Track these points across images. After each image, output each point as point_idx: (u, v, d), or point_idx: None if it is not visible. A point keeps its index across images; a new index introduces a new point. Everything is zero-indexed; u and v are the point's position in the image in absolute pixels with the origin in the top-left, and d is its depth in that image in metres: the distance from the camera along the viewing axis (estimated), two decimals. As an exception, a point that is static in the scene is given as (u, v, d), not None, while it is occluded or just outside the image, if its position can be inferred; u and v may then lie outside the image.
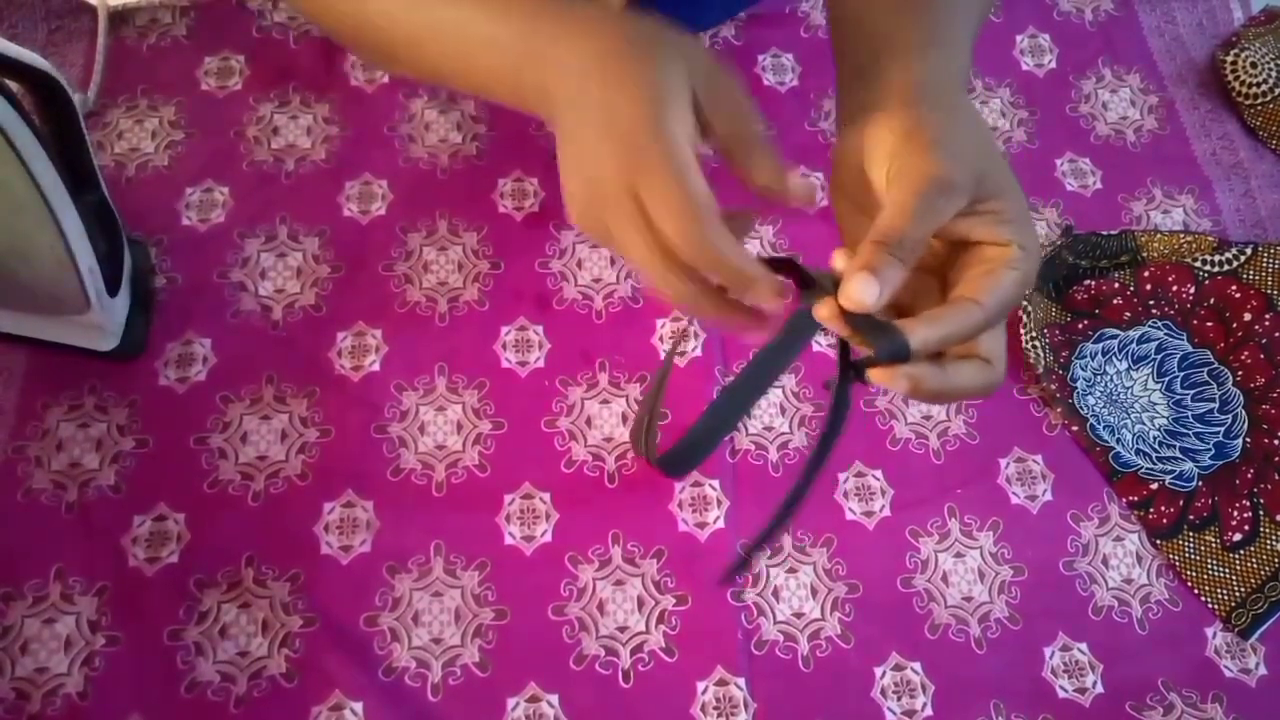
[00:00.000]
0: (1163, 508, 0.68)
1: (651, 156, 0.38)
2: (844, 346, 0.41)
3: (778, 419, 0.68)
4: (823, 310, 0.38)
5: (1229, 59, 0.83)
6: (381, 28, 0.49)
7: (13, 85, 0.51)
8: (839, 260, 0.39)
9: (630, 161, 0.39)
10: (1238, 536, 0.67)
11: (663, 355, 0.69)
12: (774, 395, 0.69)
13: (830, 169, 0.45)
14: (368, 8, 0.49)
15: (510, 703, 0.59)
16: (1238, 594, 0.66)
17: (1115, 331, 0.73)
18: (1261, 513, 0.68)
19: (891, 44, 0.45)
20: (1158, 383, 0.72)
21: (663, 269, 0.39)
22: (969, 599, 0.64)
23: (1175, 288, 0.74)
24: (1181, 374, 0.72)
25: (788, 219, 0.75)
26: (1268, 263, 0.74)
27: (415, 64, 0.51)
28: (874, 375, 0.38)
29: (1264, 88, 0.81)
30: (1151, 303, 0.74)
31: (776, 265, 0.41)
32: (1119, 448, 0.69)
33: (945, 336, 0.37)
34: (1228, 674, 0.64)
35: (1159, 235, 0.76)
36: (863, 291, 0.36)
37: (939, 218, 0.38)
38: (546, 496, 0.65)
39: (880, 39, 0.46)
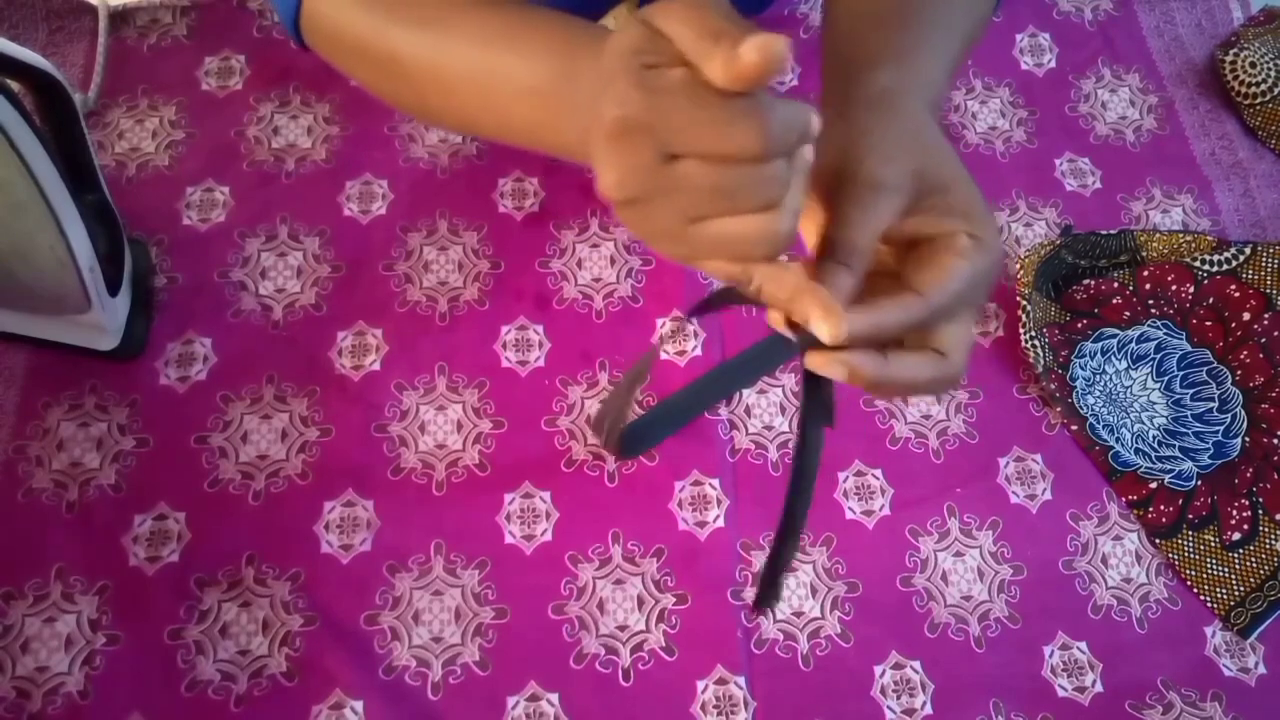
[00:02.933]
0: (1162, 507, 0.68)
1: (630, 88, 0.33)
2: (809, 381, 0.40)
3: (777, 418, 0.68)
4: (771, 317, 0.38)
5: (1228, 59, 0.83)
6: (407, 69, 0.47)
7: (14, 85, 0.51)
8: (774, 319, 0.38)
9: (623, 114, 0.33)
10: (1237, 535, 0.67)
11: (662, 354, 0.70)
12: (774, 395, 0.69)
13: None
14: (392, 42, 0.47)
15: (510, 701, 0.59)
16: (1237, 593, 0.66)
17: (1115, 331, 0.73)
18: (1260, 512, 0.68)
19: (856, 63, 0.45)
20: (1157, 382, 0.72)
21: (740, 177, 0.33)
22: (968, 598, 0.64)
23: (1174, 287, 0.74)
24: (1181, 373, 0.72)
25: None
26: (1267, 262, 0.74)
27: (446, 114, 0.49)
28: (810, 360, 0.38)
29: (1263, 87, 0.81)
30: (1151, 302, 0.74)
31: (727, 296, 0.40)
32: (1118, 447, 0.69)
33: (878, 324, 0.37)
34: (1227, 673, 0.64)
35: (1158, 235, 0.76)
36: (820, 306, 0.35)
37: (878, 220, 0.38)
38: (546, 495, 0.65)
39: (850, 58, 0.46)
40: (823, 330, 0.35)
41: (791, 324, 0.37)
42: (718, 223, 0.33)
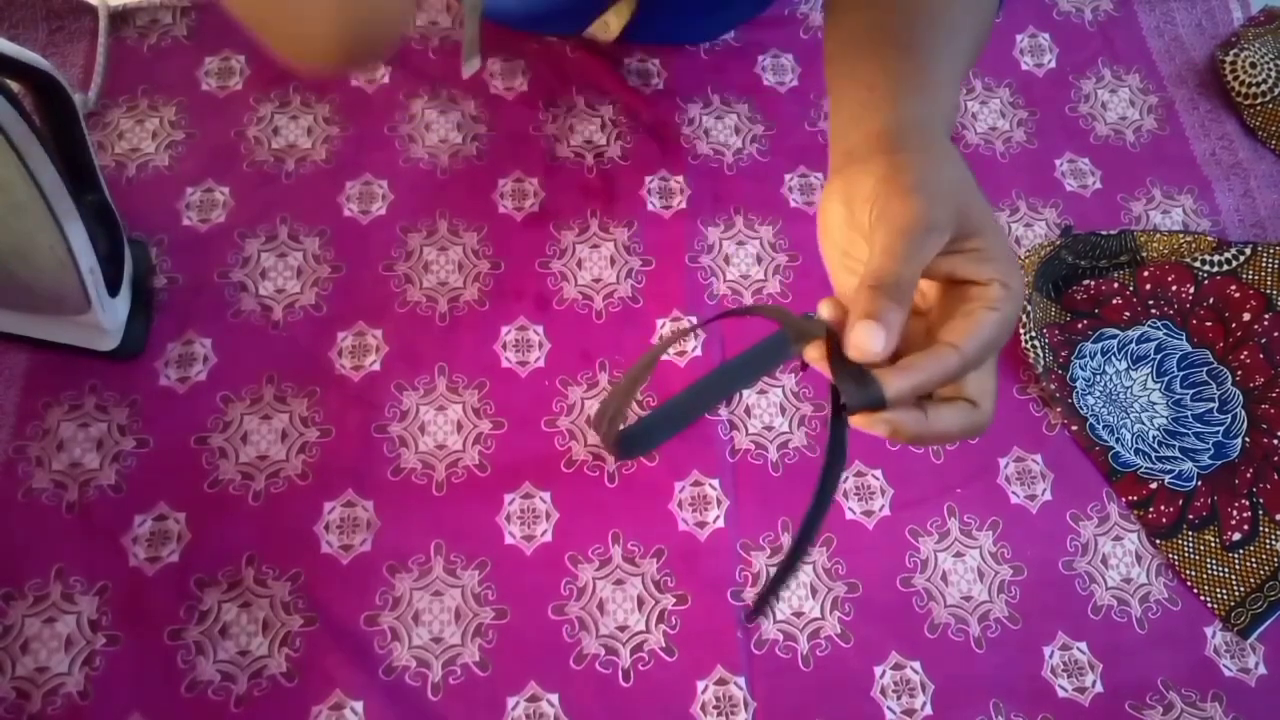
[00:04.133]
0: (1162, 507, 0.68)
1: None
2: (835, 394, 0.41)
3: (777, 418, 0.68)
4: (812, 352, 0.39)
5: (1228, 59, 0.83)
6: None
7: (13, 85, 0.51)
8: (825, 309, 0.39)
9: None
10: (1237, 536, 0.67)
11: (662, 355, 0.70)
12: (774, 395, 0.69)
13: (820, 212, 0.45)
14: None
15: (510, 702, 0.59)
16: (1237, 593, 0.66)
17: (1115, 331, 0.73)
18: (1261, 512, 0.68)
19: (874, 92, 0.46)
20: (1157, 382, 0.72)
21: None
22: (968, 598, 0.64)
23: (1175, 287, 0.74)
24: (1181, 374, 0.72)
25: (787, 219, 0.75)
26: (1267, 263, 0.74)
27: None
28: (855, 421, 0.39)
29: (1263, 88, 0.81)
30: (1151, 303, 0.74)
31: (752, 313, 0.41)
32: (1118, 447, 0.69)
33: (920, 385, 0.38)
34: (1227, 673, 0.64)
35: (1158, 235, 0.76)
36: (869, 339, 0.37)
37: (924, 256, 0.38)
38: (546, 496, 0.65)
39: (865, 88, 0.46)
40: (870, 395, 0.37)
41: (832, 385, 0.39)
42: None
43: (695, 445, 0.67)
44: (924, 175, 0.40)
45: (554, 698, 0.59)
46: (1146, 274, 0.74)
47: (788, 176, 0.77)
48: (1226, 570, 0.66)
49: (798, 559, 0.45)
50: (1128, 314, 0.73)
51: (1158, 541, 0.67)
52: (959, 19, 0.50)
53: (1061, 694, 0.63)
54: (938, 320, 0.41)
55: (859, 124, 0.45)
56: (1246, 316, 0.73)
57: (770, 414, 0.68)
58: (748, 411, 0.68)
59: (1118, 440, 0.69)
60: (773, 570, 0.63)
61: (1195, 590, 0.66)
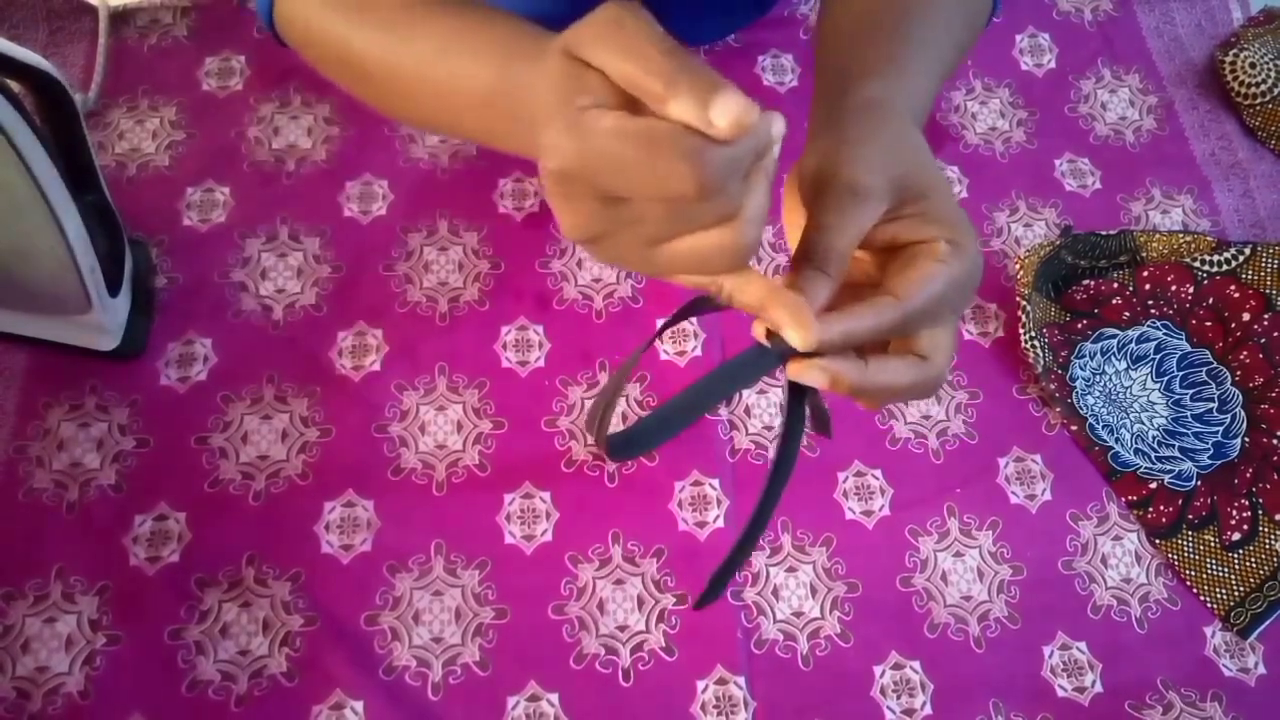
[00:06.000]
0: (1161, 507, 0.68)
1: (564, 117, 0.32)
2: (793, 390, 0.40)
3: (777, 418, 0.68)
4: (756, 328, 0.38)
5: (1228, 59, 0.83)
6: (369, 70, 0.48)
7: (14, 85, 0.51)
8: (757, 329, 0.38)
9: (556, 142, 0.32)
10: (1236, 536, 0.67)
11: (662, 355, 0.70)
12: (773, 395, 0.69)
13: (784, 189, 0.45)
14: (353, 43, 0.48)
15: (510, 701, 0.59)
16: (1236, 593, 0.66)
17: (1114, 331, 0.73)
18: (1260, 512, 0.68)
19: (842, 76, 0.45)
20: (1156, 382, 0.72)
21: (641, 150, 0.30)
22: (968, 598, 0.64)
23: (1174, 287, 0.74)
24: (1180, 374, 0.72)
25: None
26: (1266, 263, 0.74)
27: (409, 116, 0.51)
28: (790, 369, 0.38)
29: (1263, 88, 0.81)
30: (1150, 303, 0.74)
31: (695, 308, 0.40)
32: (1118, 447, 0.69)
33: (851, 330, 0.37)
34: (1226, 673, 0.64)
35: (1158, 235, 0.76)
36: (792, 306, 0.35)
37: (857, 225, 0.38)
38: (547, 496, 0.65)
39: (836, 73, 0.46)
40: (794, 337, 0.35)
41: (770, 333, 0.37)
42: (678, 243, 0.33)
43: (695, 445, 0.67)
44: (860, 145, 0.40)
45: (554, 697, 0.59)
46: (1146, 274, 0.74)
47: (786, 176, 0.77)
48: (1226, 570, 0.66)
49: (751, 542, 0.43)
50: (1127, 314, 0.73)
51: (1157, 541, 0.67)
52: (945, 12, 0.50)
53: (1061, 693, 0.63)
54: (885, 284, 0.40)
55: (820, 107, 0.45)
56: (1246, 316, 0.73)
57: (770, 414, 0.69)
58: (747, 411, 0.68)
59: (1117, 440, 0.69)
60: (774, 570, 0.63)
61: (1195, 590, 0.66)
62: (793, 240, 0.43)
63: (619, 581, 0.63)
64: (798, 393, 0.41)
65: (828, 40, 0.50)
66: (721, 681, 0.61)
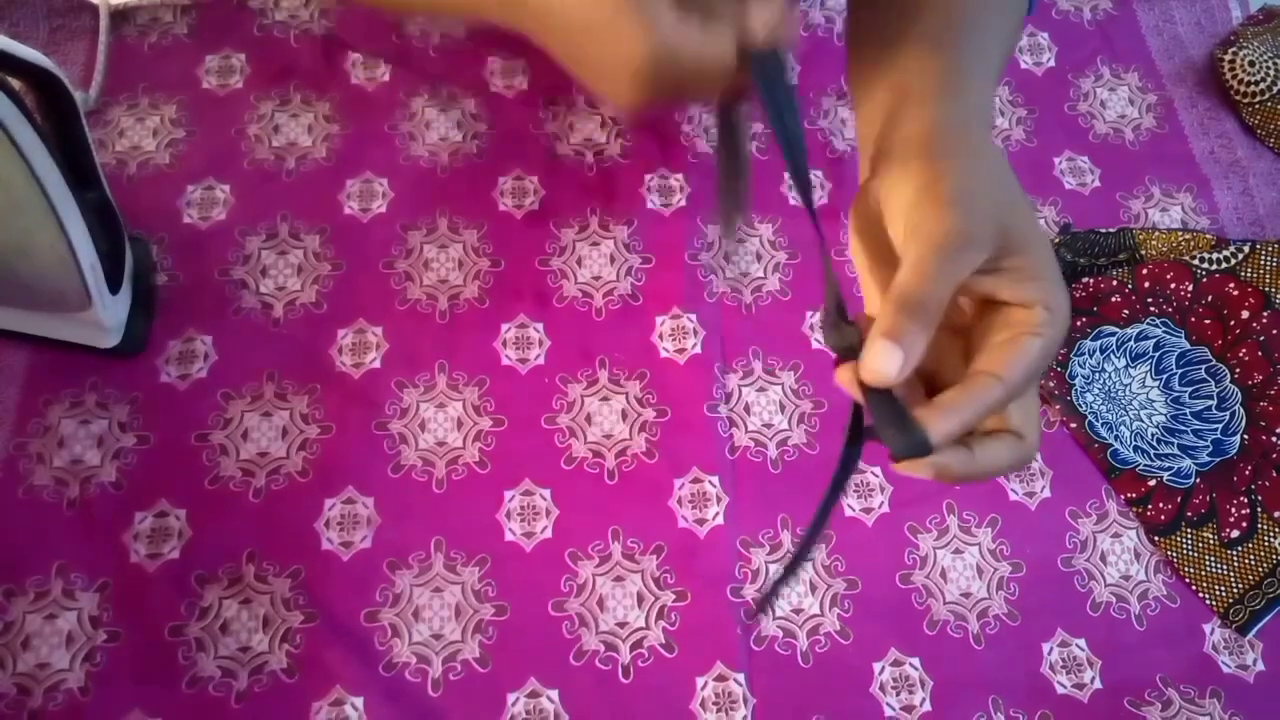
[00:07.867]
0: (1161, 504, 0.68)
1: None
2: (857, 410, 0.39)
3: (776, 416, 0.68)
4: (844, 374, 0.37)
5: (1227, 57, 0.83)
6: None
7: (14, 83, 0.51)
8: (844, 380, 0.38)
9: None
10: (1235, 533, 0.67)
11: (662, 353, 0.70)
12: (773, 393, 0.69)
13: (850, 220, 0.43)
14: None
15: (510, 698, 0.59)
16: (1235, 590, 0.66)
17: (1113, 329, 0.73)
18: (1259, 509, 0.68)
19: (909, 90, 0.43)
20: (1156, 380, 0.72)
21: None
22: (967, 595, 0.65)
23: (1173, 285, 0.74)
24: (1179, 371, 0.72)
25: (786, 217, 0.76)
26: (1265, 260, 0.74)
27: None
28: (898, 468, 0.37)
29: (1262, 86, 0.81)
30: (1150, 300, 0.74)
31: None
32: (1117, 445, 0.69)
33: (965, 424, 0.36)
34: (1225, 670, 0.64)
35: (1157, 233, 0.76)
36: (885, 361, 0.34)
37: (958, 275, 0.36)
38: (546, 493, 0.65)
39: (898, 86, 0.44)
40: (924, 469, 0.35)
41: (855, 408, 0.37)
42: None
43: (695, 442, 0.67)
44: (965, 186, 0.37)
45: (554, 694, 0.60)
46: (1145, 272, 0.74)
47: (787, 174, 0.77)
48: (1225, 567, 0.66)
49: (799, 563, 0.43)
50: (1126, 312, 0.73)
51: (1156, 539, 0.67)
52: (990, 14, 0.47)
53: (1060, 690, 0.63)
54: (977, 341, 0.38)
55: (894, 126, 0.42)
56: (1245, 314, 0.73)
57: (770, 411, 0.69)
58: (747, 409, 0.68)
59: (1116, 437, 0.69)
60: (773, 568, 0.64)
61: (1194, 587, 0.66)
62: (861, 269, 0.41)
63: (619, 578, 0.63)
64: (858, 420, 0.40)
65: (871, 48, 0.47)
66: (721, 678, 0.61)
